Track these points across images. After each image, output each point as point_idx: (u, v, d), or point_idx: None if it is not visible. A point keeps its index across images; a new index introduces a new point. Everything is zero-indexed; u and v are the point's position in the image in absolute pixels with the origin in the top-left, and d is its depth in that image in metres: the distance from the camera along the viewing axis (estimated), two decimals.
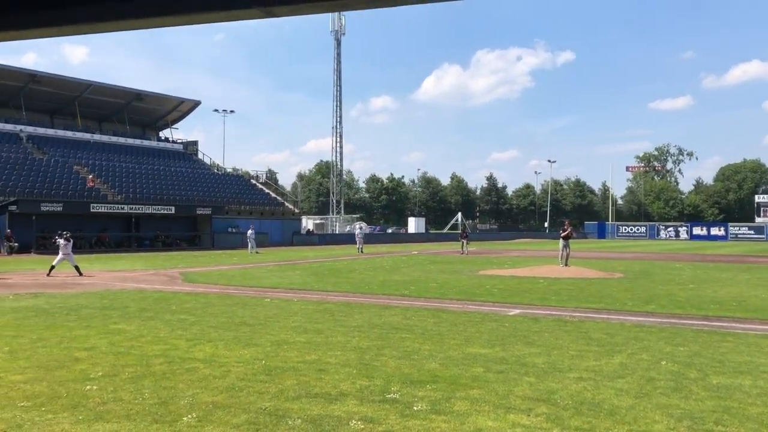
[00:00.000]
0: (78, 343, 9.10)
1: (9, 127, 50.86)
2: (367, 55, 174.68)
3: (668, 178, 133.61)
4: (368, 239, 62.83)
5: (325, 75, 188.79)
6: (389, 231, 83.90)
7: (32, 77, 52.56)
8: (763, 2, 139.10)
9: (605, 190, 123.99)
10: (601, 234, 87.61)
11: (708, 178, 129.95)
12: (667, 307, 13.59)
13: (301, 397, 6.29)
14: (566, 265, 24.31)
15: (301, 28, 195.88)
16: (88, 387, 6.60)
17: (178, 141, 66.07)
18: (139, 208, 42.27)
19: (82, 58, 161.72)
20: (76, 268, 20.79)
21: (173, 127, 67.42)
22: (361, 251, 39.96)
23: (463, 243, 39.58)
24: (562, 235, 25.49)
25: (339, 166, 74.82)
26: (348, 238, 56.87)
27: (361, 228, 45.51)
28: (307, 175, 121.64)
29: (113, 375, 7.14)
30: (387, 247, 50.49)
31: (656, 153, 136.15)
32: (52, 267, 20.86)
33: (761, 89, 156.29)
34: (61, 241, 21.28)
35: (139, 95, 60.18)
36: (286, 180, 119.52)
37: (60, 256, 21.11)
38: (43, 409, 5.87)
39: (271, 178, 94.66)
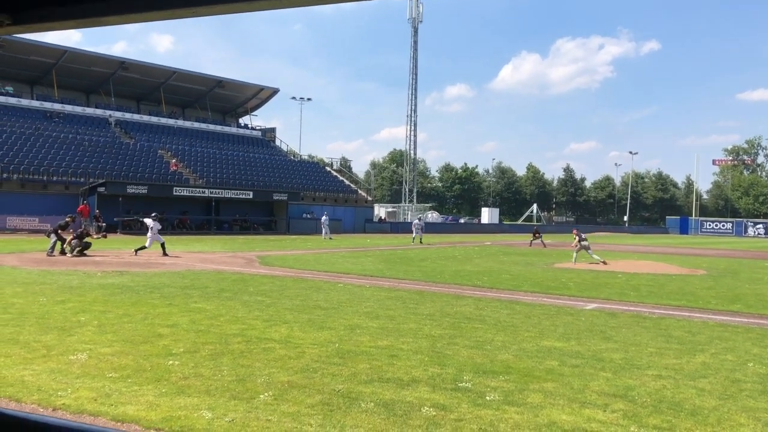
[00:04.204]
0: (161, 320, 9.48)
1: (99, 112, 53.44)
2: (443, 43, 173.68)
3: (759, 173, 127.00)
4: (439, 229, 62.76)
5: (400, 64, 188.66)
6: (462, 221, 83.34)
7: (121, 64, 54.90)
8: None
9: (689, 183, 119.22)
10: (684, 229, 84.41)
11: None
12: (754, 306, 12.95)
13: (374, 381, 6.35)
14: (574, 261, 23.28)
15: (378, 16, 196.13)
16: (170, 362, 6.88)
17: (257, 128, 67.55)
18: (219, 193, 43.52)
19: (167, 46, 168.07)
20: (162, 245, 21.63)
21: (252, 114, 69.10)
22: (420, 241, 38.39)
23: (532, 239, 38.49)
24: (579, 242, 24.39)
25: (413, 155, 74.79)
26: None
27: (419, 219, 45.68)
28: (380, 163, 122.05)
29: (194, 351, 7.41)
30: (459, 237, 50.20)
31: (746, 146, 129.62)
32: (143, 248, 21.63)
33: None
34: (150, 222, 22.11)
35: (220, 82, 61.88)
36: (360, 168, 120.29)
37: (150, 236, 21.87)
38: (129, 380, 6.16)
39: (345, 165, 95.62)
